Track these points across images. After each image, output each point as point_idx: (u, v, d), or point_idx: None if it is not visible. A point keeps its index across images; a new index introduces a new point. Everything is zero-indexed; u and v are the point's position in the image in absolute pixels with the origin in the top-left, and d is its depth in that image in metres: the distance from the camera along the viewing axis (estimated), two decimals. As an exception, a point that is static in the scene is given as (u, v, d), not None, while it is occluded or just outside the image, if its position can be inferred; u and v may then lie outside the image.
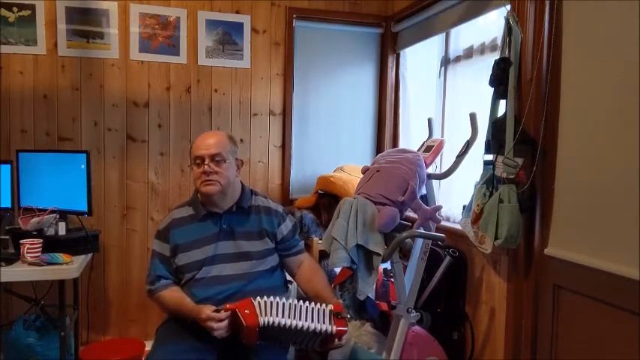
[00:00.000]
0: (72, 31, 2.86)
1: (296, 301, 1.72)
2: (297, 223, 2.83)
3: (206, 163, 1.87)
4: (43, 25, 2.82)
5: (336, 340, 1.71)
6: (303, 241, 2.15)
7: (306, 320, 1.68)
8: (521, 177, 1.92)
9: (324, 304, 1.74)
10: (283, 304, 1.70)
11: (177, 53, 3.04)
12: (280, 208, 2.08)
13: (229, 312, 1.68)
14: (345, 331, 1.72)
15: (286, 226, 2.04)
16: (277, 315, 1.67)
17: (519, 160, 1.92)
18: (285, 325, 1.64)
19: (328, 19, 3.28)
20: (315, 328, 1.66)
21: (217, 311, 1.69)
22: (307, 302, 1.74)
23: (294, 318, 1.67)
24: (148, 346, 2.09)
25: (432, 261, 2.29)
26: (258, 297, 1.71)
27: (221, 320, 1.68)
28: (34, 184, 2.62)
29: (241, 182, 2.04)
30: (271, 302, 1.70)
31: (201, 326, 1.72)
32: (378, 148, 3.41)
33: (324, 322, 1.69)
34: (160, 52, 3.01)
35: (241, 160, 2.02)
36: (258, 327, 1.64)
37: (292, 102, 3.25)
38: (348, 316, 2.55)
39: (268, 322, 1.64)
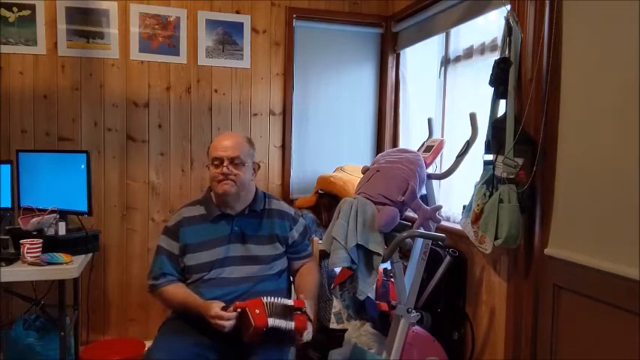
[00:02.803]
0: (72, 31, 2.86)
1: (277, 299, 1.73)
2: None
3: (225, 165, 1.88)
4: (43, 25, 2.82)
5: (298, 335, 1.72)
6: (311, 246, 2.16)
7: (271, 317, 1.69)
8: (521, 177, 1.92)
9: (282, 299, 1.75)
10: (276, 303, 1.72)
11: (177, 53, 3.04)
12: (292, 211, 2.10)
13: (237, 311, 1.69)
14: (304, 327, 1.72)
15: (297, 230, 2.06)
16: (276, 314, 1.68)
17: (519, 160, 1.92)
18: (279, 325, 1.66)
19: (328, 19, 3.28)
20: (279, 326, 1.67)
21: (225, 308, 1.70)
22: (271, 298, 1.74)
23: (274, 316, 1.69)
24: (148, 345, 2.09)
25: (432, 261, 2.29)
26: (267, 297, 1.72)
27: (229, 319, 1.68)
28: (34, 184, 2.62)
29: (255, 186, 2.05)
30: (273, 302, 1.71)
31: (205, 323, 1.72)
32: (378, 148, 3.41)
33: (285, 319, 1.70)
34: (159, 52, 3.01)
35: (258, 164, 2.04)
36: (267, 327, 1.65)
37: (292, 102, 3.25)
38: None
39: (275, 323, 1.65)
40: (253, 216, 1.98)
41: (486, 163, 2.09)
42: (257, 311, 1.66)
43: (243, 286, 1.87)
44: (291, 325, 1.69)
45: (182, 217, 1.98)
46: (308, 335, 1.75)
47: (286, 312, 1.73)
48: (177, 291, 1.88)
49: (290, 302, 1.76)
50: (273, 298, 1.73)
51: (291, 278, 2.12)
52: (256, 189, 2.04)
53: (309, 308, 1.79)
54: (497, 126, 2.02)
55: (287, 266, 2.05)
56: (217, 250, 1.91)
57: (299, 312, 1.73)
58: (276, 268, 1.97)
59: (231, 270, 1.90)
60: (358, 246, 2.02)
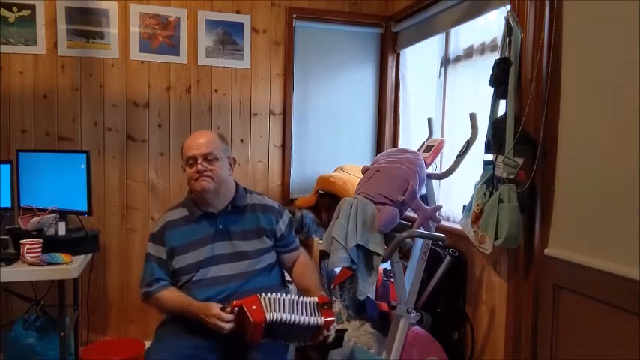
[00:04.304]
0: (72, 31, 2.86)
1: (286, 296, 1.73)
2: (297, 222, 2.85)
3: (199, 162, 1.88)
4: (43, 25, 2.82)
5: (325, 331, 1.72)
6: (297, 237, 2.16)
7: (298, 314, 1.68)
8: (521, 177, 1.92)
9: (308, 297, 1.75)
10: (283, 299, 1.71)
11: (177, 53, 3.04)
12: (276, 205, 2.08)
13: (236, 309, 1.68)
14: (333, 321, 1.73)
15: (283, 223, 2.05)
16: (280, 310, 1.68)
17: (519, 160, 1.92)
18: (286, 320, 1.65)
19: (328, 19, 3.28)
20: (308, 322, 1.67)
21: (223, 308, 1.70)
22: (294, 296, 1.75)
23: (292, 312, 1.68)
24: (148, 345, 2.10)
25: (432, 261, 2.29)
26: (265, 293, 1.71)
27: (228, 319, 1.68)
28: (34, 184, 2.62)
29: (235, 181, 2.04)
30: (274, 298, 1.70)
31: (202, 324, 1.72)
32: (378, 148, 3.41)
33: (312, 315, 1.70)
34: (159, 52, 3.01)
35: (234, 159, 2.03)
36: (265, 323, 1.64)
37: (292, 102, 3.25)
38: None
39: (273, 317, 1.65)
40: (236, 212, 1.97)
41: (486, 163, 2.09)
42: (254, 307, 1.65)
43: (234, 283, 1.87)
44: (320, 320, 1.69)
45: (166, 222, 1.97)
46: (333, 332, 1.77)
47: (312, 308, 1.73)
48: (172, 295, 1.87)
49: (314, 299, 1.75)
50: (276, 294, 1.71)
51: (286, 273, 2.11)
52: (237, 185, 2.03)
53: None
54: (497, 126, 2.02)
55: (277, 260, 2.03)
56: (203, 250, 1.90)
57: (325, 307, 1.73)
58: (266, 261, 1.96)
59: (219, 268, 1.89)
60: (358, 246, 2.02)
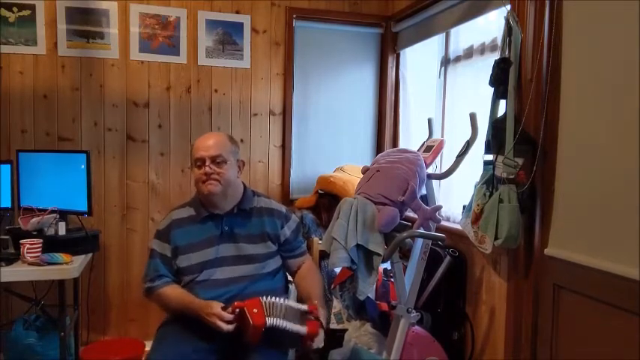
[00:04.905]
0: (72, 31, 2.86)
1: (283, 301, 1.73)
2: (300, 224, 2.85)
3: (207, 164, 1.87)
4: (43, 25, 2.82)
5: (309, 341, 1.71)
6: (305, 242, 2.15)
7: (287, 320, 1.68)
8: (521, 177, 1.92)
9: (299, 305, 1.75)
10: (280, 304, 1.71)
11: (177, 53, 3.04)
12: (284, 209, 2.07)
13: (237, 311, 1.68)
14: (316, 333, 1.71)
15: (289, 228, 2.03)
16: (276, 315, 1.68)
17: (519, 160, 1.92)
18: (278, 325, 1.65)
19: (328, 19, 3.28)
20: (292, 330, 1.67)
21: (224, 309, 1.70)
22: (288, 301, 1.74)
23: (283, 318, 1.68)
24: (148, 346, 2.10)
25: (432, 261, 2.29)
26: (266, 297, 1.71)
27: (228, 320, 1.68)
28: (34, 184, 2.62)
29: (243, 183, 2.03)
30: (274, 302, 1.70)
31: (202, 324, 1.72)
32: (378, 148, 3.41)
33: (298, 323, 1.69)
34: (159, 52, 3.01)
35: (242, 161, 2.02)
36: (265, 327, 1.64)
37: (292, 102, 3.25)
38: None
39: (273, 323, 1.65)
40: (242, 215, 1.97)
41: (486, 163, 2.09)
42: (255, 310, 1.65)
43: (237, 286, 1.86)
44: (303, 330, 1.68)
45: (172, 220, 1.97)
46: (319, 342, 1.74)
47: (299, 316, 1.72)
48: (175, 292, 1.87)
49: (304, 307, 1.74)
50: (276, 298, 1.72)
51: (290, 278, 2.11)
52: (245, 187, 2.02)
53: (321, 314, 1.78)
54: (497, 126, 2.02)
55: (282, 265, 2.03)
56: (208, 251, 1.90)
57: (312, 318, 1.72)
58: (270, 267, 1.96)
59: (223, 270, 1.89)
60: (358, 246, 2.02)
